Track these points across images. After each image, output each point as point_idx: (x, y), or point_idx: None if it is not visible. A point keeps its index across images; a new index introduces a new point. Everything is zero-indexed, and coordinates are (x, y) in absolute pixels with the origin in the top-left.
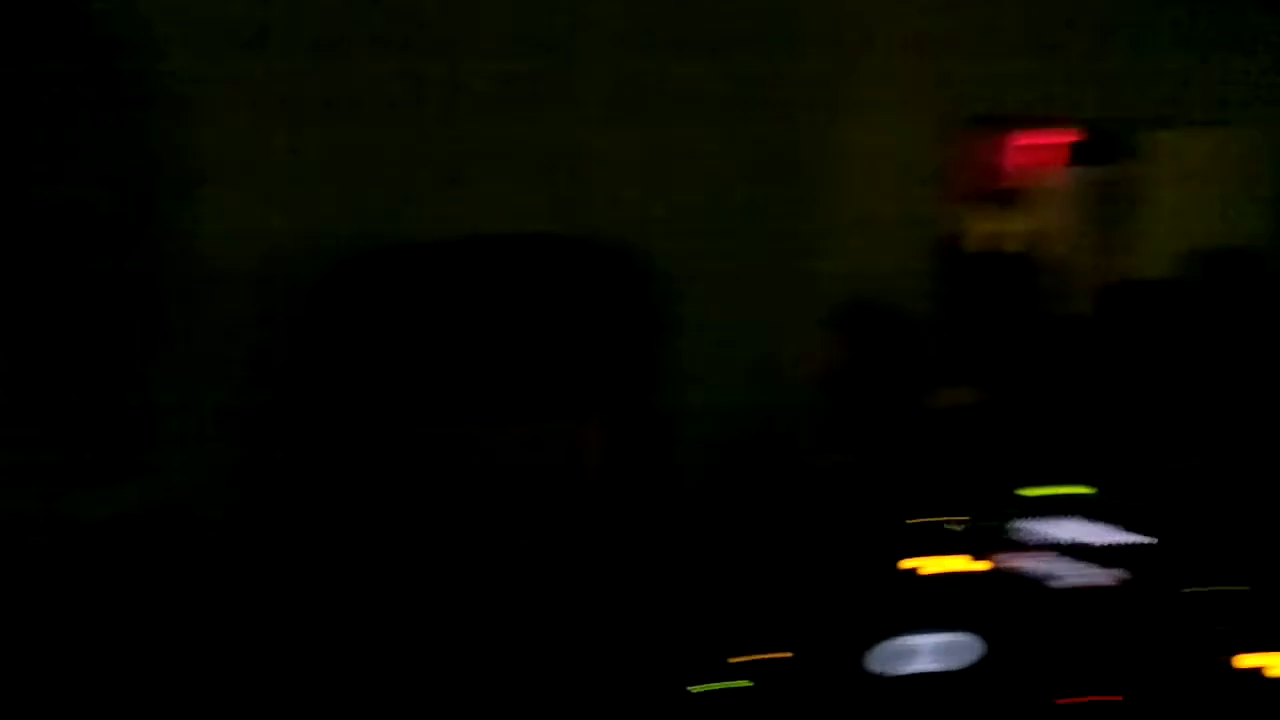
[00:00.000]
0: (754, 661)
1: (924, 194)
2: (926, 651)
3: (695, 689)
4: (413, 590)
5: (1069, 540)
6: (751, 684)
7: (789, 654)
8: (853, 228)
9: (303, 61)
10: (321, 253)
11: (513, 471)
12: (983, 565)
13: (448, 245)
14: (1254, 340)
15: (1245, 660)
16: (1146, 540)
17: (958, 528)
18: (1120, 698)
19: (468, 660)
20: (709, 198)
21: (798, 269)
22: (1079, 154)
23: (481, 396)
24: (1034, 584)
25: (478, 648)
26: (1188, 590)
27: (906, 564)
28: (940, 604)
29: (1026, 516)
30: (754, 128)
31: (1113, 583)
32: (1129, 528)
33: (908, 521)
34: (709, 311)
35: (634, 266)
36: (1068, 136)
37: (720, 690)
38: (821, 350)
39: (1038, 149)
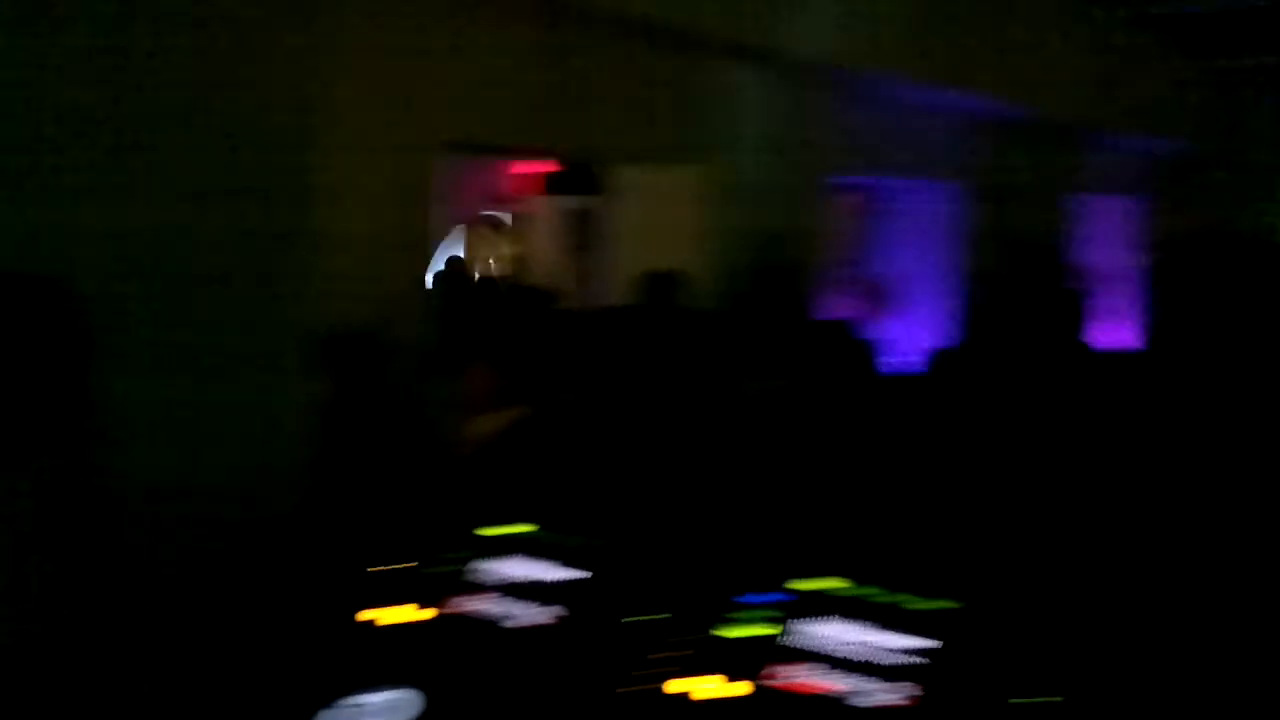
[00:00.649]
0: None
1: (410, 218)
2: (371, 712)
3: None
4: None
5: (519, 579)
6: None
7: None
8: (336, 253)
9: None
10: None
11: None
12: (433, 612)
13: None
14: (687, 358)
15: (673, 686)
16: (586, 574)
17: (417, 572)
18: None
19: None
20: (173, 226)
21: (276, 299)
22: (556, 184)
23: None
24: (482, 628)
25: None
26: (624, 621)
27: (364, 615)
28: (391, 657)
29: (480, 557)
30: (229, 155)
31: (556, 620)
32: (572, 563)
33: (369, 569)
34: (170, 346)
35: (71, 299)
36: (548, 167)
37: None
38: (307, 383)
39: (521, 178)
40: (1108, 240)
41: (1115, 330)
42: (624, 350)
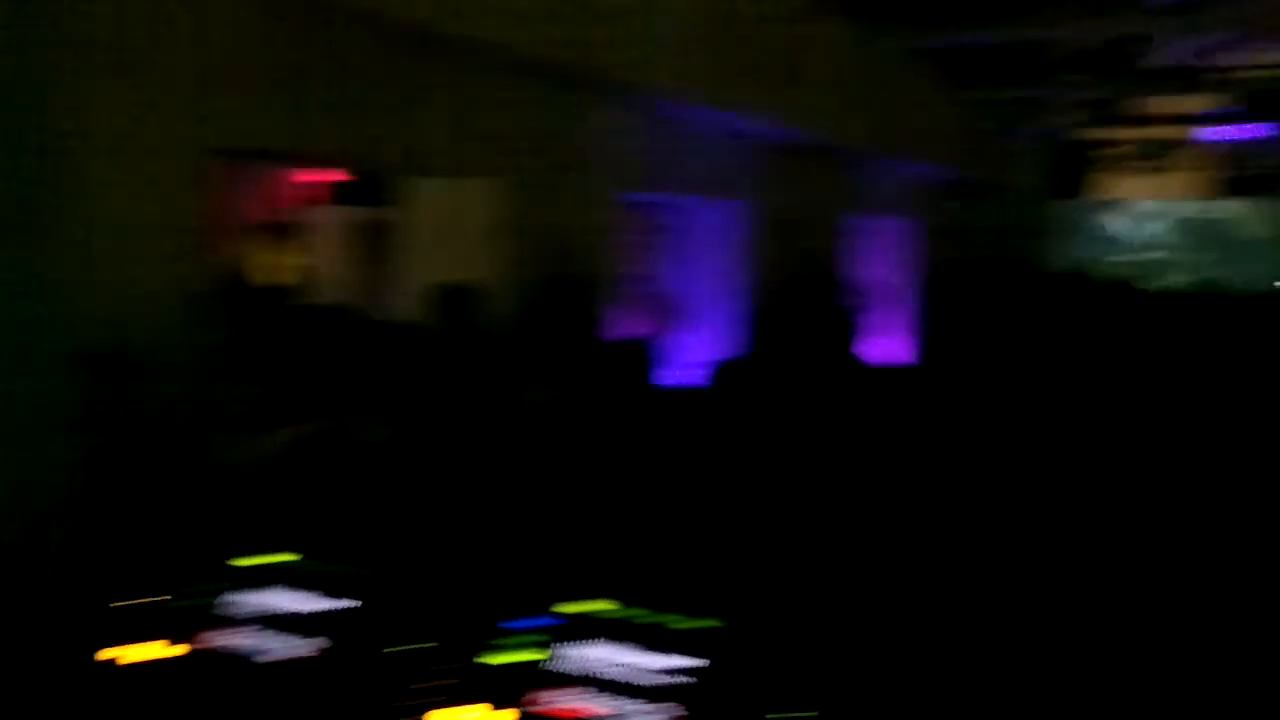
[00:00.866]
0: None
1: (177, 228)
2: None
3: None
4: None
5: (278, 611)
6: None
7: None
8: (89, 267)
9: None
10: None
11: None
12: (184, 648)
13: None
14: (473, 376)
15: (437, 717)
16: (349, 604)
17: (166, 606)
18: None
19: None
20: None
21: (14, 316)
22: (344, 194)
23: None
24: (238, 663)
25: None
26: (387, 651)
27: (106, 654)
28: (135, 699)
29: (235, 589)
30: None
31: (316, 652)
32: (335, 593)
33: (112, 604)
34: None
35: None
36: (333, 177)
37: None
38: (73, 403)
39: (304, 186)
40: (882, 260)
41: (887, 344)
42: (411, 368)
